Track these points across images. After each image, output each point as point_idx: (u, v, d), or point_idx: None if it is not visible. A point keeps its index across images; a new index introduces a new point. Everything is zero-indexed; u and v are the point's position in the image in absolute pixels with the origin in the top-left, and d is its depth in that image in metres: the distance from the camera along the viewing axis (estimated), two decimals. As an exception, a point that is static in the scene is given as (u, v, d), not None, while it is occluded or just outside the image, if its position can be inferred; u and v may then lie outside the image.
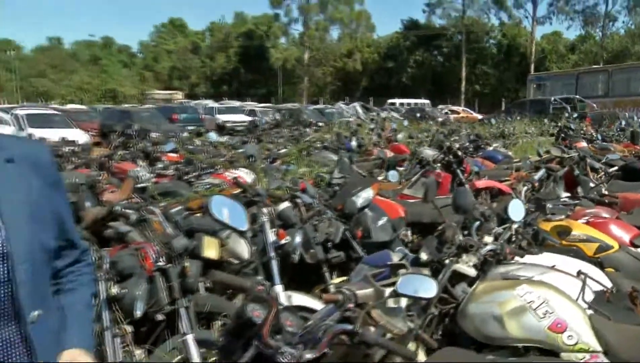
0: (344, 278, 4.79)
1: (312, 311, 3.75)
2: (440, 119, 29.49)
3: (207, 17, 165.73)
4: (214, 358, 3.59)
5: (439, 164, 7.66)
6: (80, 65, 77.39)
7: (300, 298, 3.96)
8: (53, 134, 16.16)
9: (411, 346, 2.82)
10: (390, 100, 48.48)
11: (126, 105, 43.43)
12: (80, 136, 18.17)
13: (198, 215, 5.23)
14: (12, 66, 68.86)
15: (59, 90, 63.76)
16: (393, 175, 7.00)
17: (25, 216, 1.53)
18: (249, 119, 31.31)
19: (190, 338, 3.55)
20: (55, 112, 24.59)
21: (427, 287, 2.57)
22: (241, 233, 4.03)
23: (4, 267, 1.47)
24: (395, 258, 3.29)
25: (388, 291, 2.61)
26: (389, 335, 2.56)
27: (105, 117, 27.60)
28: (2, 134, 1.68)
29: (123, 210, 4.41)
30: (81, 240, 1.80)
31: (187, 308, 3.70)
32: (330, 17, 69.11)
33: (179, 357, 3.61)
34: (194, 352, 3.50)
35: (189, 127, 25.39)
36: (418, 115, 32.10)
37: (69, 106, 40.68)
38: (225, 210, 3.28)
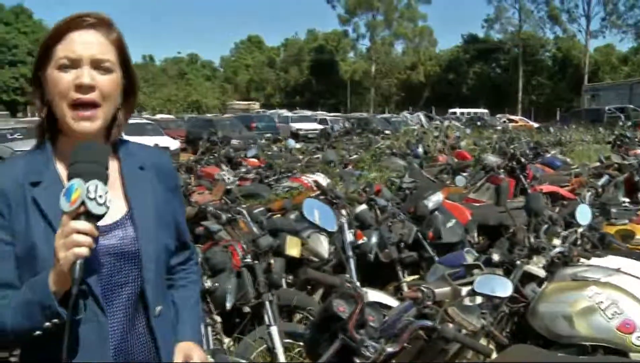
0: (416, 276, 4.76)
1: (386, 307, 3.73)
2: (499, 127, 28.86)
3: (282, 34, 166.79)
4: (298, 349, 3.61)
5: (502, 170, 7.50)
6: (169, 79, 79.22)
7: (375, 295, 3.93)
8: (147, 141, 16.48)
9: (483, 342, 2.76)
10: (451, 110, 47.79)
11: (209, 115, 44.25)
12: (170, 143, 18.59)
13: (278, 215, 5.28)
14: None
15: (151, 102, 65.40)
16: (460, 180, 6.90)
17: (153, 219, 1.55)
18: (321, 127, 31.38)
19: (274, 330, 3.58)
20: (148, 121, 25.25)
21: (503, 287, 2.50)
22: (327, 234, 4.03)
23: (135, 266, 1.51)
24: (469, 259, 3.23)
25: (464, 290, 2.55)
26: (463, 332, 2.50)
27: (190, 126, 28.24)
28: (132, 141, 1.70)
29: (214, 210, 4.48)
30: (190, 241, 1.82)
31: (271, 302, 3.73)
32: (395, 33, 68.66)
33: (264, 346, 3.65)
34: (278, 342, 3.52)
35: (267, 135, 25.69)
36: (478, 123, 31.51)
37: (159, 116, 41.84)
38: (316, 212, 3.27)
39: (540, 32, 64.11)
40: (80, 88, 1.43)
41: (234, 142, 14.99)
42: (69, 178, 1.31)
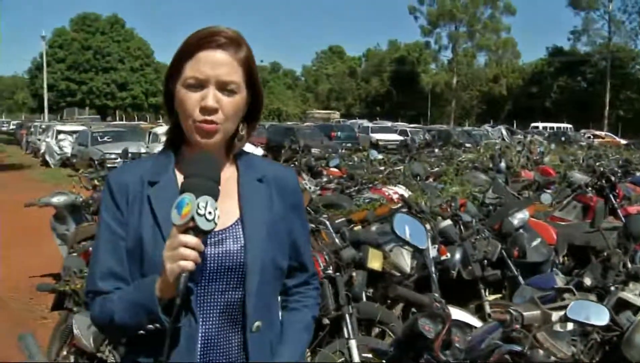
0: (498, 295, 4.62)
1: (468, 326, 3.62)
2: (583, 143, 27.84)
3: (364, 44, 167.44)
4: (379, 365, 3.55)
5: (590, 188, 7.18)
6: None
7: (458, 313, 3.81)
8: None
9: (571, 371, 2.62)
10: (533, 124, 46.54)
11: (289, 123, 44.78)
12: (253, 149, 18.89)
13: (359, 227, 5.23)
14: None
15: (233, 108, 67.02)
16: (546, 197, 6.65)
17: (264, 233, 1.54)
18: (401, 138, 31.21)
19: (353, 343, 3.55)
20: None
21: (599, 315, 2.37)
22: (410, 248, 3.95)
23: (238, 274, 1.51)
24: (559, 282, 3.09)
25: (554, 315, 2.43)
26: (552, 359, 2.39)
27: (271, 133, 28.56)
28: (255, 155, 1.73)
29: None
30: (311, 264, 1.79)
31: (351, 315, 3.70)
32: (478, 45, 67.62)
33: (342, 360, 3.61)
34: (357, 356, 3.49)
35: (347, 144, 25.74)
36: (562, 138, 30.49)
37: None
38: (407, 227, 3.22)
39: (632, 44, 61.50)
40: (205, 110, 1.47)
41: (315, 150, 15.09)
42: (182, 191, 1.36)
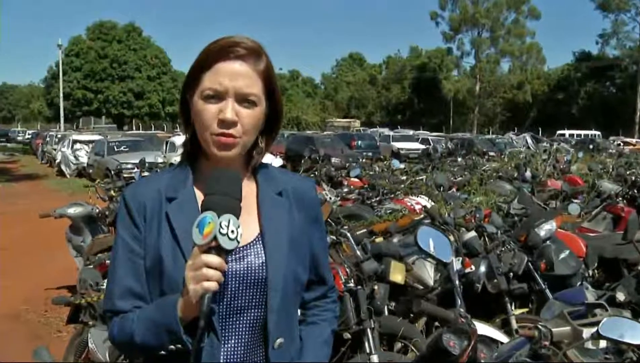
0: (525, 309, 4.56)
1: (494, 341, 3.57)
2: (613, 151, 27.49)
3: (384, 51, 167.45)
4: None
5: (621, 198, 7.09)
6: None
7: (483, 328, 3.77)
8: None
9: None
10: (559, 131, 46.15)
11: (309, 132, 44.85)
12: (272, 159, 18.93)
13: (381, 238, 5.20)
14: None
15: (251, 117, 67.43)
16: (574, 208, 6.57)
17: (285, 246, 1.54)
18: (422, 147, 31.12)
19: (375, 359, 3.52)
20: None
21: (634, 332, 2.30)
22: (433, 260, 3.92)
23: (260, 292, 1.50)
24: (590, 296, 3.03)
25: (585, 331, 2.39)
26: (583, 377, 2.35)
27: (290, 142, 28.60)
28: (275, 167, 1.72)
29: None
30: (330, 277, 1.78)
31: (373, 330, 3.66)
32: (501, 50, 67.18)
33: (364, 375, 3.58)
34: (379, 372, 3.45)
35: (369, 153, 25.70)
36: (590, 146, 30.16)
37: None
38: (430, 240, 3.18)
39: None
40: (223, 122, 1.46)
41: (335, 160, 15.08)
42: (203, 209, 1.35)
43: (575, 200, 7.98)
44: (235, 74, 1.47)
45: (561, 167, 13.47)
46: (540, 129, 51.32)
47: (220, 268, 1.32)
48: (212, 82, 1.47)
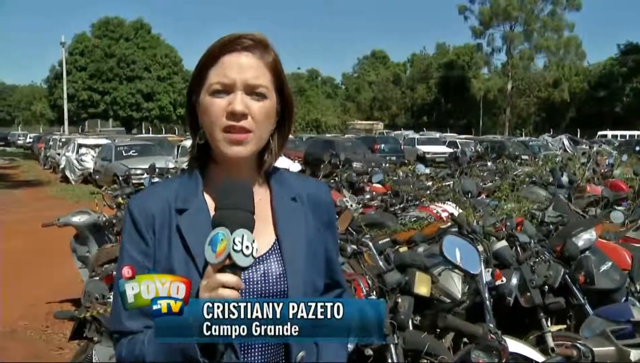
0: (562, 326, 4.52)
1: (527, 359, 3.54)
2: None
3: (409, 49, 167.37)
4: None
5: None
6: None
7: (515, 345, 3.74)
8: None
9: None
10: (601, 132, 45.77)
11: (329, 135, 44.91)
12: (288, 164, 18.94)
13: (405, 248, 5.19)
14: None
15: (268, 119, 67.74)
16: (617, 216, 6.49)
17: (302, 254, 1.55)
18: (450, 150, 31.05)
19: (399, 376, 3.50)
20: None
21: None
22: (468, 274, 3.89)
23: None
24: (636, 313, 2.99)
25: (633, 353, 2.35)
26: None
27: (309, 146, 28.78)
28: (290, 172, 1.75)
29: (340, 242, 4.46)
30: (343, 280, 1.79)
31: (396, 345, 3.65)
32: (536, 46, 66.65)
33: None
34: (403, 390, 3.44)
35: (392, 158, 25.68)
36: (636, 148, 29.83)
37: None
38: (457, 250, 3.17)
39: None
40: (233, 115, 1.47)
41: (356, 165, 15.07)
42: (215, 225, 1.34)
43: (619, 207, 7.90)
44: (243, 66, 1.49)
45: (602, 171, 13.37)
46: (579, 130, 50.98)
47: (237, 287, 1.32)
48: (219, 75, 1.48)
